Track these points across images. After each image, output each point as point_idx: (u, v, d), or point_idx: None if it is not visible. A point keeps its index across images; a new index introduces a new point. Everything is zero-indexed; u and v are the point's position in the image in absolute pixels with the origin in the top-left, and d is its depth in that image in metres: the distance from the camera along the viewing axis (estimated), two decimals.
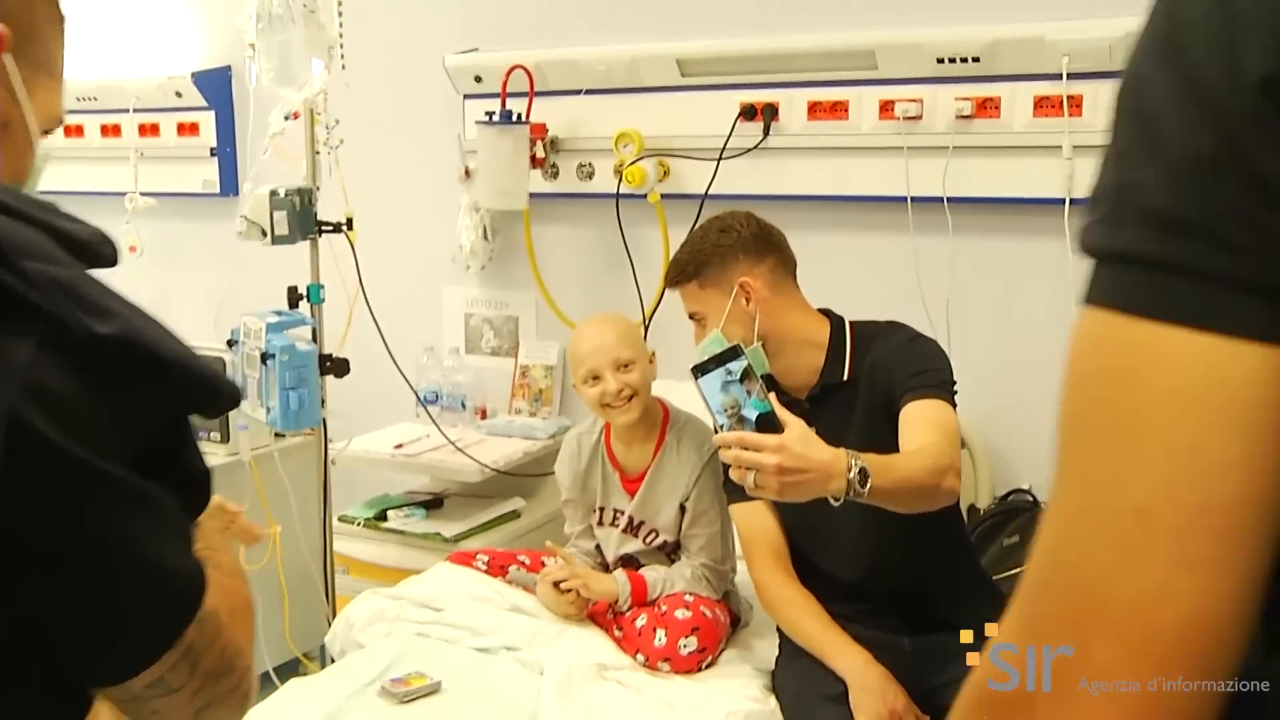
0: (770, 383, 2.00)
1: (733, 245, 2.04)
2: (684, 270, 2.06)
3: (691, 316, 2.10)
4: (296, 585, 2.86)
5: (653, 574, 2.28)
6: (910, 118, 2.57)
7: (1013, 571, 2.44)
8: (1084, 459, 0.57)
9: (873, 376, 1.98)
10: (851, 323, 2.10)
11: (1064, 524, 0.58)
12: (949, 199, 2.56)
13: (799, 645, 2.06)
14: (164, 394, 0.80)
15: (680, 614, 2.17)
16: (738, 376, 1.64)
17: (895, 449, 1.82)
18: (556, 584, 2.26)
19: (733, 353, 1.65)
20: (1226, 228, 0.52)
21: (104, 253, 0.81)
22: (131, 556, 0.76)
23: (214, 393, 0.84)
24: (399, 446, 2.99)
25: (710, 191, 2.78)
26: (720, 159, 2.76)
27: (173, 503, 0.80)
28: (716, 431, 1.63)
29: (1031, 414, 2.47)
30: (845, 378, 2.02)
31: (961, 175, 2.55)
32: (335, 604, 2.76)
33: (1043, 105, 2.46)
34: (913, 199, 2.60)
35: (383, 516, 2.90)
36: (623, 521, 2.37)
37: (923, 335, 2.03)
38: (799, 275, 2.17)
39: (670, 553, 2.37)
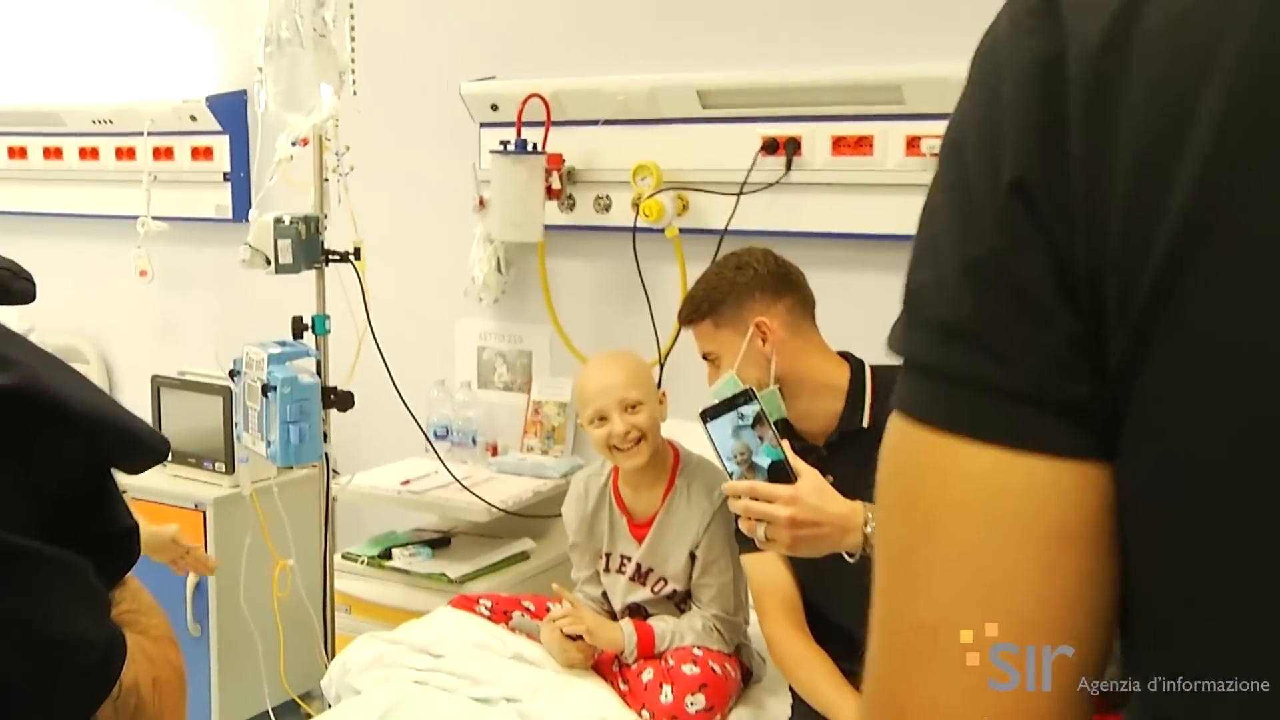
0: (786, 428, 1.95)
1: (749, 283, 1.99)
2: (698, 308, 2.01)
3: (705, 356, 2.05)
4: (295, 624, 2.82)
5: (661, 625, 2.22)
6: (938, 155, 2.49)
7: None
8: (884, 568, 0.55)
9: None
10: (872, 367, 2.04)
11: (874, 633, 0.56)
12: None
13: (812, 707, 1.99)
14: (73, 447, 0.76)
15: (688, 669, 2.12)
16: (749, 421, 1.60)
17: None
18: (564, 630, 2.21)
19: (745, 396, 1.61)
20: (996, 336, 0.51)
21: (14, 289, 0.78)
22: (33, 632, 0.71)
23: (133, 445, 0.80)
24: (406, 483, 2.95)
25: (730, 227, 2.74)
26: (741, 193, 2.72)
27: (84, 565, 0.75)
28: (729, 480, 1.58)
29: None
30: (865, 424, 1.96)
31: None
32: (335, 644, 2.71)
33: None
34: None
35: (387, 555, 2.86)
36: (630, 569, 2.32)
37: None
38: (818, 316, 2.12)
39: (680, 602, 2.32)
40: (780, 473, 1.55)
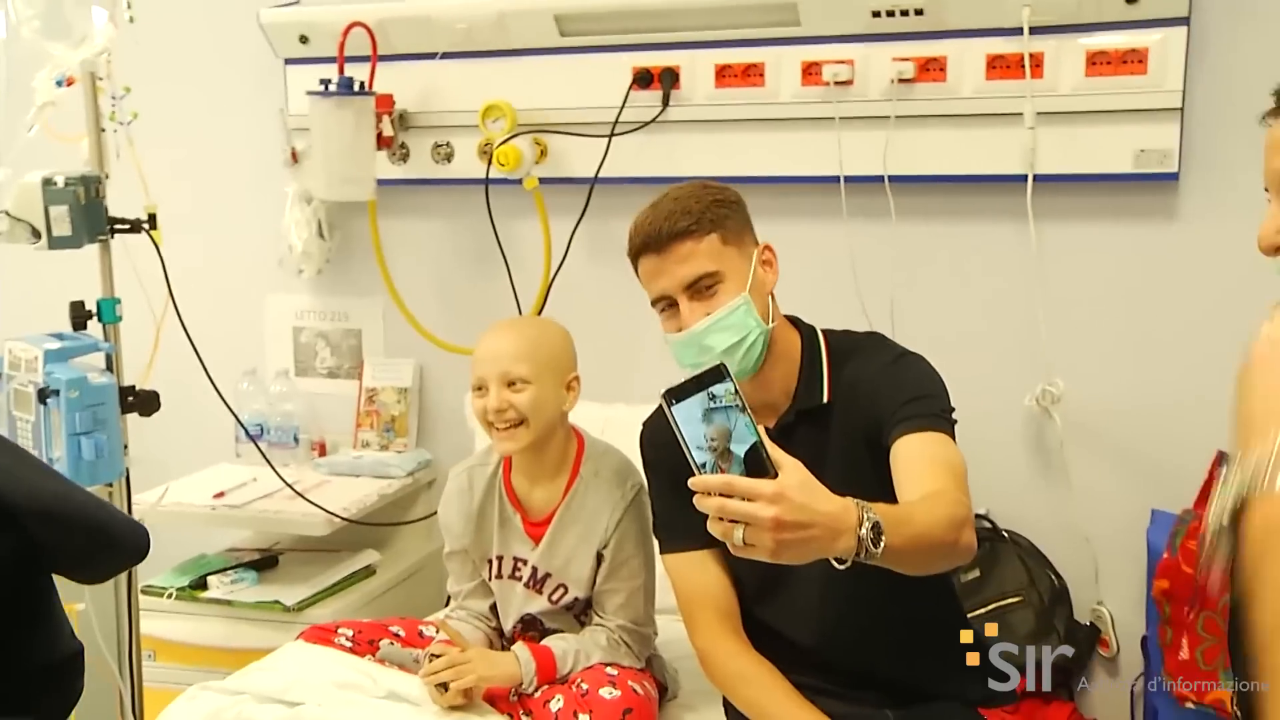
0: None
1: (741, 208, 1.84)
2: (700, 220, 1.77)
3: (696, 284, 1.78)
4: (90, 682, 2.42)
5: (561, 644, 2.04)
6: (841, 83, 2.42)
7: (975, 612, 2.32)
8: None
9: (853, 401, 1.79)
10: (825, 333, 1.90)
11: None
12: (890, 178, 2.43)
13: None
14: (13, 550, 0.68)
15: (607, 693, 1.94)
16: (723, 402, 1.40)
17: (878, 490, 1.63)
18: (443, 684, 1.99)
19: (716, 374, 1.41)
20: None
21: None
22: None
23: (99, 545, 0.73)
24: (220, 495, 2.67)
25: (600, 174, 2.60)
26: (611, 135, 2.58)
27: None
28: (695, 472, 1.38)
29: (993, 431, 2.38)
30: (825, 399, 1.83)
31: (903, 150, 2.41)
32: (143, 704, 2.39)
33: (998, 66, 2.33)
34: (846, 179, 2.45)
35: (201, 584, 2.59)
36: (525, 573, 2.13)
37: (910, 352, 1.85)
38: None
39: (580, 613, 2.15)
40: (756, 462, 1.39)
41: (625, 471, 2.08)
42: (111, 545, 0.75)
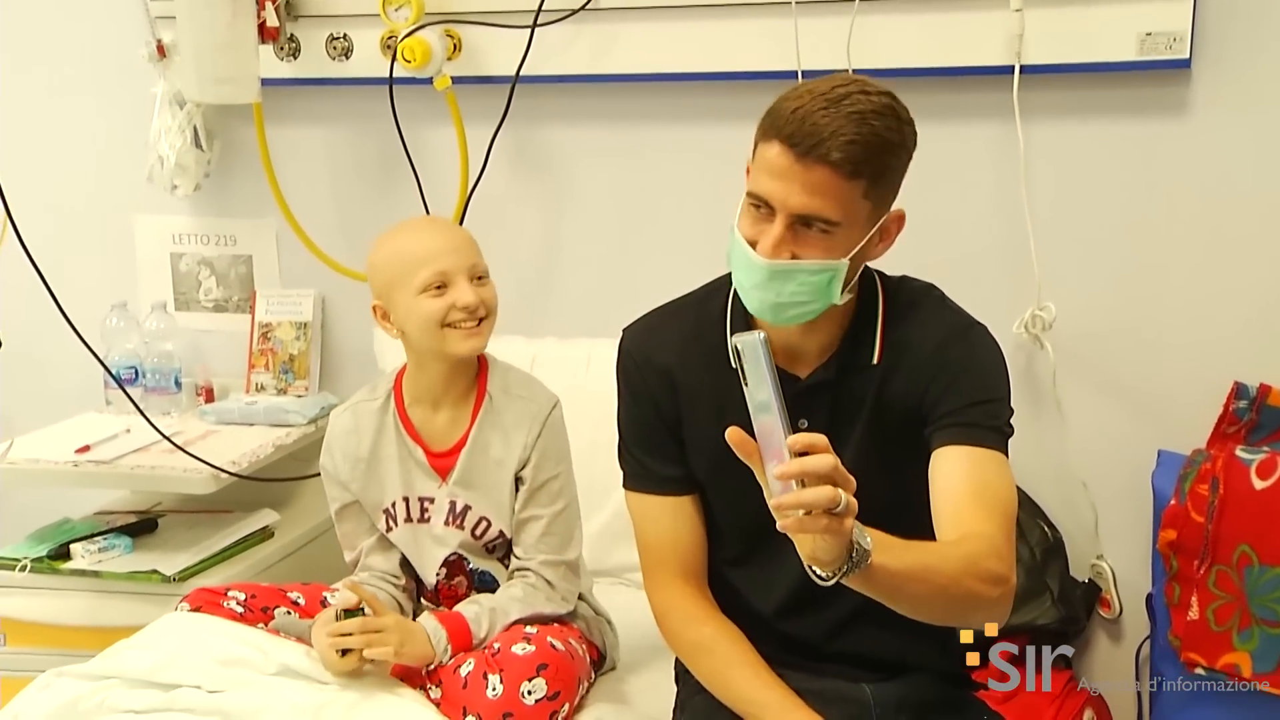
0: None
1: (909, 158, 1.67)
2: (864, 162, 1.59)
3: (799, 222, 1.63)
4: None
5: (473, 608, 2.03)
6: None
7: None
8: None
9: (899, 366, 1.72)
10: (880, 275, 1.80)
11: None
12: (855, 72, 2.33)
13: (719, 701, 1.81)
14: None
15: (520, 649, 1.94)
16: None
17: (896, 469, 1.65)
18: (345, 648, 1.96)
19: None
20: None
21: None
22: None
23: None
24: (84, 449, 2.62)
25: (523, 72, 2.56)
26: (534, 26, 2.54)
27: None
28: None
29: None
30: (875, 360, 1.74)
31: (870, 39, 2.37)
32: None
33: None
34: (804, 74, 2.38)
35: (64, 553, 2.55)
36: (441, 511, 2.11)
37: (976, 322, 1.75)
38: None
39: (504, 555, 2.14)
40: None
41: (537, 386, 2.12)
42: None
